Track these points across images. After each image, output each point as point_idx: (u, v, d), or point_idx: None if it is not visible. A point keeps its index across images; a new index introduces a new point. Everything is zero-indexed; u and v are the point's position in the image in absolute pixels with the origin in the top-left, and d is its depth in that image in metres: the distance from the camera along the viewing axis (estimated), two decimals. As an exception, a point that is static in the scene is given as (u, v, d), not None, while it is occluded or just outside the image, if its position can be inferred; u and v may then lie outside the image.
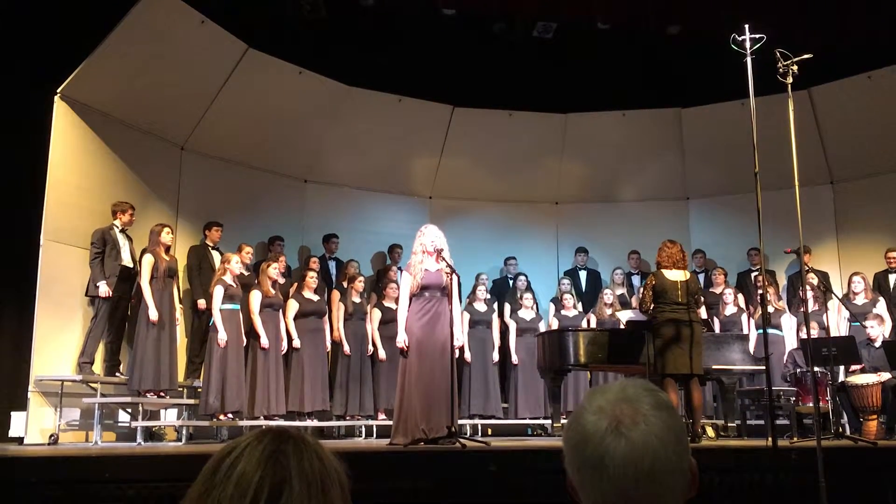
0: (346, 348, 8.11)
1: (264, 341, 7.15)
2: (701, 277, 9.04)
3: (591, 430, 1.07)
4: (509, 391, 8.83)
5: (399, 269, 8.43)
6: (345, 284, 8.44)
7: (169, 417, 7.51)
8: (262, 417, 7.02)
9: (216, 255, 7.72)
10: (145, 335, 6.64)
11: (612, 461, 1.04)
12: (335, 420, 8.08)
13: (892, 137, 8.81)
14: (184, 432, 6.94)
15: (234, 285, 6.98)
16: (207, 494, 0.95)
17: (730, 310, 8.41)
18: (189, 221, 8.24)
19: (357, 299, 8.32)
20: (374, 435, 7.98)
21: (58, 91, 6.89)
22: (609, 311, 8.57)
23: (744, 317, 8.34)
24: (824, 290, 7.31)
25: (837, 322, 8.30)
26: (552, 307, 9.33)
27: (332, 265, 9.06)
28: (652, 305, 6.08)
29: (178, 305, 7.18)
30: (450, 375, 5.39)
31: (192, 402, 7.25)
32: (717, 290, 8.79)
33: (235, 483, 0.94)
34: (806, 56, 4.60)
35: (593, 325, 8.61)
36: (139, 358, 6.59)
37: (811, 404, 5.64)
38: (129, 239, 7.21)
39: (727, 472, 4.27)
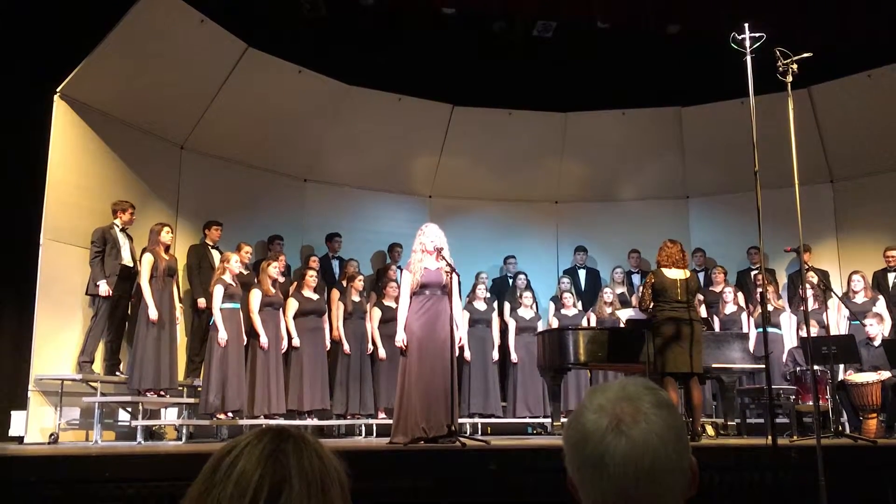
0: (346, 347, 8.12)
1: (264, 340, 7.16)
2: (701, 276, 9.04)
3: (592, 428, 1.07)
4: (509, 390, 8.84)
5: (399, 268, 8.44)
6: (344, 283, 8.45)
7: (169, 416, 7.51)
8: (262, 416, 7.03)
9: (216, 255, 7.72)
10: (145, 334, 6.64)
11: (612, 460, 1.04)
12: (335, 419, 8.09)
13: (892, 136, 8.81)
14: (184, 431, 6.94)
15: (234, 284, 6.98)
16: (207, 493, 0.95)
17: (729, 308, 8.42)
18: (189, 221, 8.24)
19: (356, 298, 8.33)
20: (374, 434, 7.99)
21: (57, 90, 6.89)
22: (609, 310, 8.57)
23: (743, 315, 8.34)
24: (824, 288, 7.31)
25: (837, 321, 8.30)
26: (552, 306, 9.33)
27: (335, 264, 9.06)
28: (651, 304, 6.09)
29: (178, 304, 7.19)
30: (449, 374, 5.39)
31: (192, 401, 7.25)
32: (717, 289, 8.79)
33: (235, 482, 0.94)
34: (806, 55, 4.60)
35: (593, 323, 8.61)
36: (139, 357, 6.59)
37: (811, 403, 5.65)
38: (130, 238, 7.21)
39: (727, 470, 4.27)
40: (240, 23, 7.93)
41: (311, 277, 7.91)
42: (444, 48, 8.75)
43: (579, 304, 9.21)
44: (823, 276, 8.20)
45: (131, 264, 7.10)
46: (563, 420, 6.63)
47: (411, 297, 5.61)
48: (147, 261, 6.78)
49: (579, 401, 1.15)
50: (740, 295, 8.71)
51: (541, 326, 8.78)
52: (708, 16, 7.88)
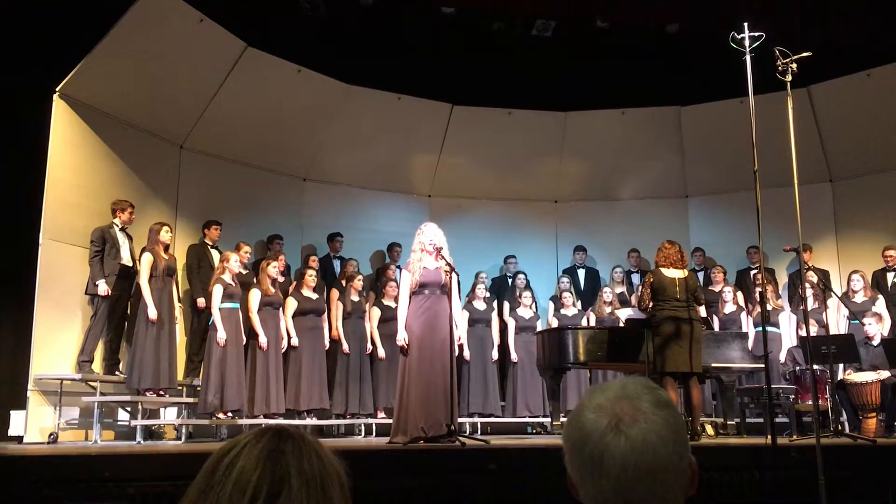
0: (345, 347, 8.12)
1: (263, 340, 7.16)
2: (700, 275, 9.05)
3: (591, 428, 1.07)
4: (508, 390, 8.84)
5: (398, 267, 8.44)
6: (343, 283, 8.45)
7: (168, 416, 7.51)
8: (261, 416, 7.03)
9: (215, 254, 7.72)
10: (144, 334, 6.64)
11: (611, 459, 1.04)
12: (334, 418, 8.09)
13: (892, 135, 8.81)
14: (183, 431, 6.94)
15: (234, 284, 6.98)
16: (207, 493, 0.95)
17: (729, 308, 8.42)
18: (188, 220, 8.24)
19: (356, 298, 8.33)
20: (374, 433, 7.99)
21: (57, 90, 6.88)
22: (608, 310, 8.57)
23: (743, 315, 8.34)
24: (823, 288, 7.31)
25: (837, 320, 8.30)
26: (551, 305, 9.33)
27: (336, 264, 9.06)
28: (650, 304, 6.09)
29: (177, 304, 7.18)
30: (449, 374, 5.39)
31: (191, 400, 7.24)
32: (717, 288, 8.79)
33: (235, 481, 0.94)
34: (805, 54, 4.60)
35: (592, 323, 8.62)
36: (138, 356, 6.59)
37: (810, 402, 5.65)
38: (129, 237, 7.21)
39: (727, 469, 4.27)
40: (239, 22, 7.92)
41: (311, 277, 7.91)
42: (443, 47, 8.75)
43: (579, 304, 9.21)
44: (823, 275, 8.20)
45: (130, 264, 7.10)
46: (563, 419, 6.64)
47: (410, 297, 5.61)
48: (146, 260, 6.78)
49: (579, 400, 1.15)
50: (739, 294, 8.71)
51: (540, 326, 8.78)
52: (707, 15, 7.89)
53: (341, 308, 8.25)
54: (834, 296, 7.67)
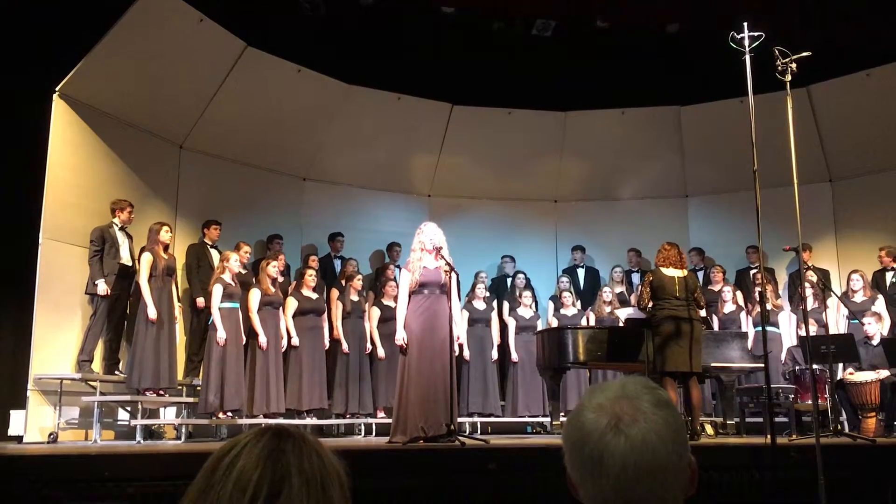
0: (345, 347, 8.12)
1: (263, 340, 7.16)
2: (700, 275, 9.05)
3: (591, 427, 1.07)
4: (508, 389, 8.84)
5: (398, 267, 8.44)
6: (343, 283, 8.45)
7: (168, 416, 7.51)
8: (261, 416, 7.03)
9: (215, 254, 7.72)
10: (144, 333, 6.64)
11: (611, 459, 1.04)
12: (334, 418, 8.09)
13: (891, 135, 8.81)
14: (183, 430, 6.94)
15: (233, 284, 6.98)
16: (207, 492, 0.95)
17: (728, 307, 8.42)
18: (188, 220, 8.24)
19: (355, 297, 8.33)
20: (374, 433, 7.99)
21: (56, 90, 6.88)
22: (608, 309, 8.57)
23: (742, 314, 8.35)
24: (823, 287, 7.31)
25: (836, 320, 8.30)
26: (551, 305, 9.33)
27: (336, 264, 9.06)
28: (650, 303, 6.09)
29: (177, 304, 7.18)
30: (449, 374, 5.39)
31: (191, 400, 7.25)
32: (716, 288, 8.78)
33: (235, 481, 0.94)
34: (805, 54, 4.60)
35: (592, 322, 8.62)
36: (138, 356, 6.59)
37: (810, 402, 5.65)
38: (129, 237, 7.21)
39: (726, 469, 4.27)
40: (239, 22, 7.92)
41: (311, 277, 7.91)
42: (443, 47, 8.75)
43: (578, 304, 9.21)
44: (823, 275, 8.20)
45: (130, 263, 7.10)
46: (563, 419, 6.63)
47: (410, 297, 5.61)
48: (146, 260, 6.78)
49: (579, 400, 1.15)
50: (739, 294, 8.71)
51: (540, 326, 8.78)
52: (707, 15, 7.89)
53: (341, 308, 8.25)
54: (833, 295, 7.67)
